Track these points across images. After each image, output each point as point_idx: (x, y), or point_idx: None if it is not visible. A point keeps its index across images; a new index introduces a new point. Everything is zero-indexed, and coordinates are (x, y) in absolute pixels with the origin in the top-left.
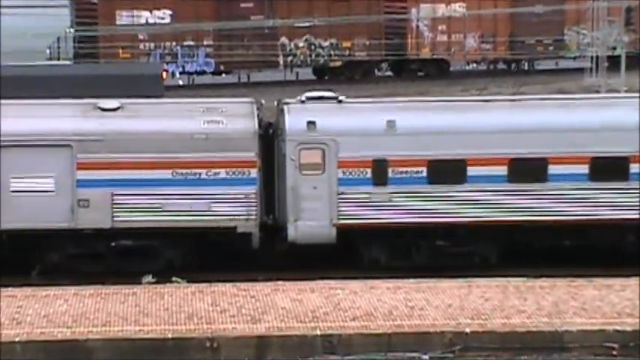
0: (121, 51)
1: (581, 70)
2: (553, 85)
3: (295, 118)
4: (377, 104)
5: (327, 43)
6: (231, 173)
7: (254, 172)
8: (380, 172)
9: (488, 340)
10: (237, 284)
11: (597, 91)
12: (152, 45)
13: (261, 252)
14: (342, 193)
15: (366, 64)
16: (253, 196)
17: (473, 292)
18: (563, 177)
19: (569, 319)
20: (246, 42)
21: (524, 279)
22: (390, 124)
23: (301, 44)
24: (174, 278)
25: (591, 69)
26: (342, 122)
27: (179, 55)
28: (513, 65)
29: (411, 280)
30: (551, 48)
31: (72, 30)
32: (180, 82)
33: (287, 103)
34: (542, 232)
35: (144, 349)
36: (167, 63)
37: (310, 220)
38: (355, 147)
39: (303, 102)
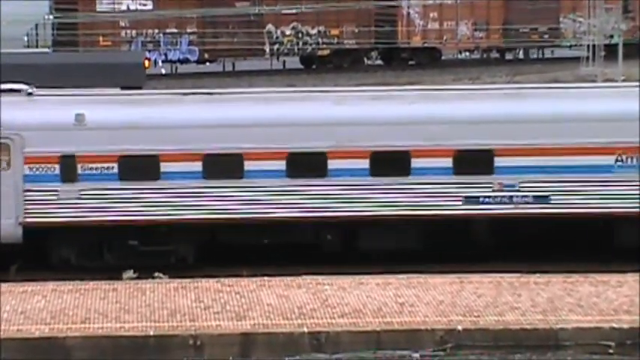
0: (101, 38)
1: (577, 59)
2: (548, 75)
3: None
4: (68, 97)
5: (314, 31)
6: None
7: None
8: (68, 168)
9: (480, 338)
10: (222, 280)
11: (594, 81)
12: (134, 32)
13: None
14: (29, 190)
15: (355, 52)
16: None
17: (465, 288)
18: (260, 173)
19: (564, 316)
20: (231, 29)
21: (519, 274)
22: (79, 118)
23: (288, 32)
24: (156, 273)
25: (587, 58)
26: (28, 116)
27: (162, 43)
28: (507, 54)
29: (401, 276)
30: (546, 36)
31: (50, 16)
32: (163, 71)
33: None
34: (240, 230)
35: (124, 347)
36: (149, 51)
37: None
38: (42, 142)
39: None
